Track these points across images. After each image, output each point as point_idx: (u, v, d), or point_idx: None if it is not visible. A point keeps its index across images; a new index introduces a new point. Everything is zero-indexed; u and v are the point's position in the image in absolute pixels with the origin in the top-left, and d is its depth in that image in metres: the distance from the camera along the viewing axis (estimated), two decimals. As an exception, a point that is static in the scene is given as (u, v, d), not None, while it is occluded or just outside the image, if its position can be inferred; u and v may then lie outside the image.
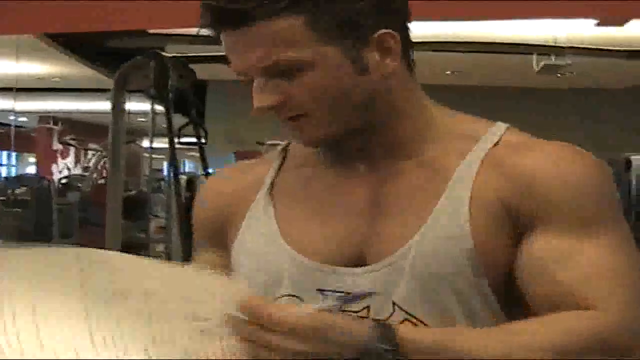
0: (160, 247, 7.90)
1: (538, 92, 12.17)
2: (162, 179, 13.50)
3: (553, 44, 6.83)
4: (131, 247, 8.31)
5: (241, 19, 1.18)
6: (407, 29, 1.30)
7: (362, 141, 1.31)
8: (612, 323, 1.16)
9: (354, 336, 1.09)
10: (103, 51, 9.31)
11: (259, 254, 1.35)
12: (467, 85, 12.45)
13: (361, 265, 1.27)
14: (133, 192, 9.90)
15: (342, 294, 1.16)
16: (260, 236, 1.36)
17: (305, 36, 1.19)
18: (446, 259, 1.22)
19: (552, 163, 1.24)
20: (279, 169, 1.42)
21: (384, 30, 1.24)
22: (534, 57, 8.37)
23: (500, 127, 1.33)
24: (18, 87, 11.08)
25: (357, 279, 1.25)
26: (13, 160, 19.03)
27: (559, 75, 9.62)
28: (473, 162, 1.27)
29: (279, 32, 1.18)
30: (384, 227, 1.28)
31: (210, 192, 1.51)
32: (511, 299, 1.24)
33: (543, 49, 7.18)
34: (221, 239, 1.44)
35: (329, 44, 1.21)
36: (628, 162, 6.58)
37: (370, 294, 1.17)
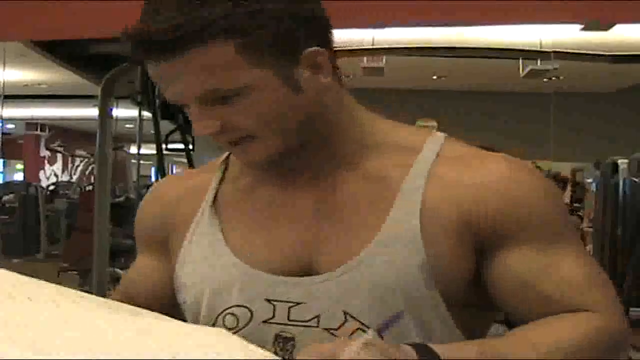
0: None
1: (524, 96, 12.21)
2: (150, 185, 13.54)
3: (539, 49, 6.86)
4: (119, 252, 8.32)
5: (170, 49, 1.14)
6: (331, 42, 1.27)
7: (303, 155, 1.30)
8: (609, 319, 1.20)
9: (404, 353, 1.06)
10: (89, 57, 9.30)
11: (205, 264, 1.33)
12: (453, 89, 12.50)
13: (309, 275, 1.26)
14: (121, 199, 9.90)
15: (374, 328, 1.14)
16: (205, 246, 1.35)
17: (236, 62, 1.16)
18: (400, 270, 1.21)
19: (506, 181, 1.24)
20: (222, 178, 1.41)
21: (312, 48, 1.21)
22: (520, 61, 8.40)
23: (439, 137, 1.32)
24: (4, 94, 11.06)
25: (308, 289, 1.24)
26: (0, 167, 18.96)
27: (545, 79, 9.67)
28: (418, 175, 1.26)
29: (210, 60, 1.15)
30: (332, 237, 1.27)
31: (154, 199, 1.49)
32: (463, 309, 1.24)
33: (529, 54, 7.20)
34: (162, 245, 1.43)
35: (261, 67, 1.18)
36: (614, 166, 6.60)
37: (397, 319, 1.17)
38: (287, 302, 1.23)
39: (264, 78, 1.18)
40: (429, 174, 1.26)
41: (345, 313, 1.21)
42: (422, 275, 1.20)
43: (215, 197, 1.38)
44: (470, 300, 1.25)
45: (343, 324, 1.21)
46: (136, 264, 1.49)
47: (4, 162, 19.65)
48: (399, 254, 1.21)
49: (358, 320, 1.21)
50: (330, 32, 1.27)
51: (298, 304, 1.22)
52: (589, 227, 8.40)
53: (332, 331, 1.22)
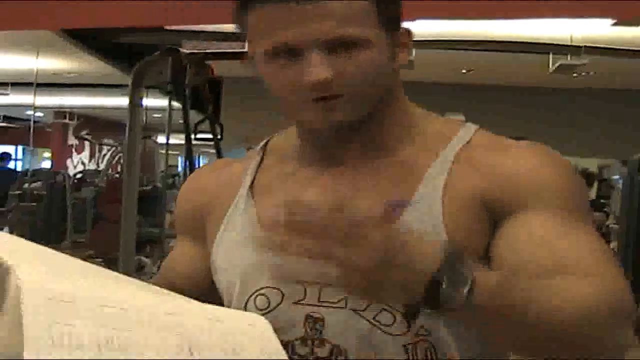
0: (173, 242, 7.94)
1: (553, 92, 12.15)
2: (177, 175, 13.55)
3: (569, 44, 6.82)
4: (145, 242, 8.37)
5: None
6: None
7: (348, 139, 1.35)
8: (618, 288, 1.19)
9: (434, 250, 1.08)
10: (119, 47, 9.35)
11: (240, 246, 1.38)
12: (482, 83, 12.45)
13: None
14: (148, 188, 9.94)
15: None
16: (240, 230, 1.39)
17: (371, 18, 1.25)
18: (420, 251, 1.20)
19: (527, 161, 1.29)
20: (259, 166, 1.45)
21: (405, 26, 1.33)
22: (550, 56, 8.36)
23: (470, 127, 1.38)
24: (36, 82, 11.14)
25: (334, 271, 1.27)
26: (29, 155, 19.10)
27: (574, 74, 9.61)
28: (444, 160, 1.32)
29: (349, 9, 1.23)
30: None
31: (192, 187, 1.55)
32: None
33: (559, 49, 7.16)
34: (200, 233, 1.47)
35: (383, 29, 1.27)
36: (643, 163, 6.55)
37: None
38: (318, 283, 1.24)
39: (381, 36, 1.27)
40: (455, 159, 1.31)
41: None
42: (442, 257, 1.18)
43: (252, 184, 1.42)
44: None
45: (369, 305, 1.25)
46: (176, 250, 1.54)
47: (25, 150, 19.77)
48: (419, 236, 1.23)
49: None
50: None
51: (328, 285, 1.22)
52: (615, 224, 8.36)
53: (359, 312, 1.25)
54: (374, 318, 1.26)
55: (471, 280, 1.06)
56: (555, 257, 1.22)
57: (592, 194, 10.72)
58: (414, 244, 1.07)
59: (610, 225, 8.87)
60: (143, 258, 8.34)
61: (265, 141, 1.50)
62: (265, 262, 1.31)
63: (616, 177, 13.06)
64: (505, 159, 1.30)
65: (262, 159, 1.46)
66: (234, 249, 1.39)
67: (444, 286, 1.05)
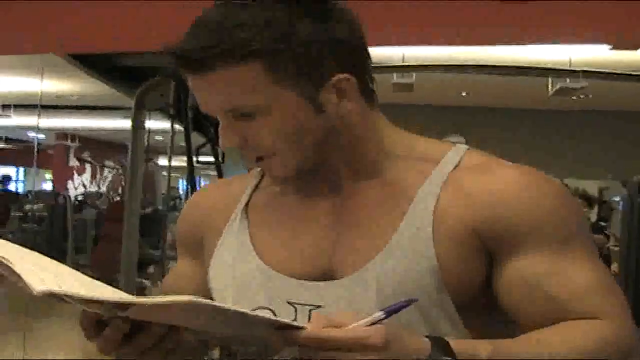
0: (173, 264, 7.95)
1: (552, 114, 12.19)
2: (178, 197, 13.56)
3: (568, 67, 6.86)
4: (146, 264, 8.38)
5: (201, 66, 1.22)
6: (365, 65, 1.33)
7: (325, 166, 1.36)
8: (618, 327, 1.23)
9: (419, 350, 1.12)
10: (122, 70, 9.38)
11: (232, 266, 1.39)
12: (482, 106, 12.48)
13: (329, 279, 1.30)
14: (149, 210, 9.95)
15: (385, 308, 1.15)
16: (233, 249, 1.41)
17: (263, 82, 1.22)
18: (409, 276, 1.25)
19: (519, 188, 1.28)
20: (256, 186, 1.48)
21: (339, 75, 1.27)
22: (549, 79, 8.39)
23: (460, 149, 1.36)
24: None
25: (323, 293, 1.29)
26: (30, 176, 19.10)
27: (573, 97, 9.65)
28: (435, 183, 1.31)
29: (238, 79, 1.22)
30: (349, 243, 1.32)
31: (192, 207, 1.57)
32: (473, 312, 1.28)
33: (558, 72, 7.20)
34: (199, 251, 1.50)
35: (286, 88, 1.24)
36: (641, 185, 6.57)
37: (410, 303, 1.17)
38: (307, 305, 1.27)
39: (288, 98, 1.25)
40: (446, 181, 1.30)
41: None
42: (432, 280, 1.24)
43: (247, 204, 1.45)
44: (482, 304, 1.28)
45: None
46: (176, 268, 1.57)
47: (27, 171, 19.78)
48: (410, 260, 1.26)
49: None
50: (364, 56, 1.32)
51: (317, 307, 1.26)
52: (615, 246, 8.36)
53: None
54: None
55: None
56: (555, 302, 1.23)
57: (593, 216, 10.70)
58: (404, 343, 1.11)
59: (610, 247, 8.86)
60: (143, 280, 8.35)
61: None
62: (258, 282, 1.35)
63: (616, 198, 13.06)
64: (496, 185, 1.28)
65: (260, 180, 1.49)
66: (227, 268, 1.40)
67: None
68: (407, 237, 1.28)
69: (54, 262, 1.15)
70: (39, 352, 7.45)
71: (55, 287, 1.02)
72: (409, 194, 1.31)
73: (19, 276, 1.04)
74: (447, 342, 1.14)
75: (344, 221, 1.35)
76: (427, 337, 1.15)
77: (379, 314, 1.11)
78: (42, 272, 1.09)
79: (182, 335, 1.15)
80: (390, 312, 1.12)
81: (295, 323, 1.10)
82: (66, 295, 1.02)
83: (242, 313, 1.05)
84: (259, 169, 1.49)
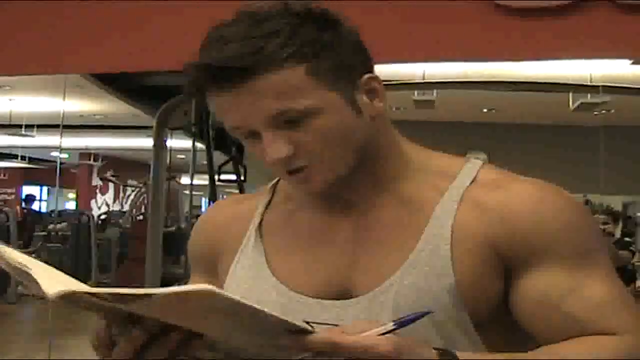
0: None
1: (574, 130, 12.14)
2: (200, 216, 13.60)
3: (589, 83, 6.84)
4: (169, 281, 8.40)
5: (243, 75, 1.19)
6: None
7: (346, 181, 1.33)
8: (635, 343, 1.22)
9: (425, 351, 1.12)
10: (145, 89, 9.43)
11: (247, 285, 1.39)
12: (503, 122, 12.44)
13: (346, 298, 1.30)
14: (172, 228, 9.98)
15: (397, 320, 1.15)
16: (249, 269, 1.40)
17: (308, 84, 1.22)
18: (427, 294, 1.25)
19: (535, 204, 1.28)
20: (268, 204, 1.47)
21: (367, 75, 1.30)
22: (570, 95, 8.37)
23: (476, 163, 1.37)
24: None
25: (340, 311, 1.29)
26: (54, 196, 19.22)
27: (595, 113, 9.61)
28: (451, 200, 1.31)
29: (283, 83, 1.20)
30: (366, 261, 1.32)
31: (206, 223, 1.56)
32: (491, 329, 1.28)
33: (579, 87, 7.18)
34: (212, 268, 1.49)
35: (328, 89, 1.24)
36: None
37: (423, 315, 1.17)
38: (324, 323, 1.25)
39: (331, 99, 1.24)
40: (462, 198, 1.31)
41: None
42: (450, 298, 1.25)
43: (261, 222, 1.44)
44: (499, 321, 1.28)
45: None
46: (190, 283, 1.55)
47: (50, 190, 19.90)
48: (427, 277, 1.26)
49: None
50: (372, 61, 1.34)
51: (334, 325, 1.24)
52: (640, 261, 8.31)
53: None
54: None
55: None
56: (572, 318, 1.23)
57: (617, 232, 10.63)
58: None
59: (635, 263, 8.81)
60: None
61: (277, 179, 1.51)
62: (274, 301, 1.34)
63: (640, 214, 12.98)
64: (512, 200, 1.28)
65: (271, 197, 1.48)
66: (243, 287, 1.40)
67: None
68: (424, 254, 1.28)
69: (64, 274, 1.15)
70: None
71: (68, 288, 1.02)
72: (426, 211, 1.31)
73: (36, 282, 1.05)
74: (455, 354, 1.14)
75: (360, 239, 1.35)
76: (435, 349, 1.15)
77: (391, 325, 1.12)
78: (56, 277, 1.10)
79: (195, 349, 1.14)
80: (402, 324, 1.13)
81: (308, 327, 1.10)
82: (84, 293, 1.02)
83: (257, 310, 1.05)
84: (269, 185, 1.51)
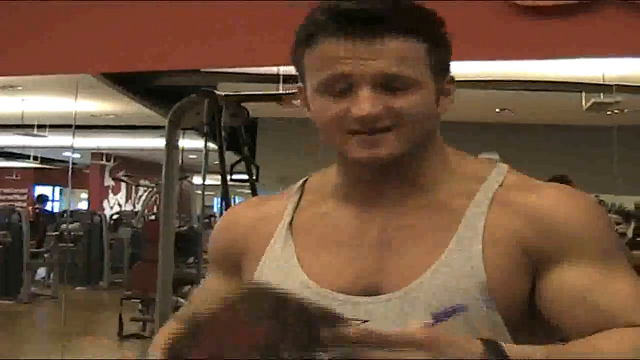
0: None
1: (587, 130, 12.11)
2: (213, 215, 13.62)
3: (601, 82, 6.83)
4: (181, 282, 8.41)
5: (376, 29, 1.27)
6: None
7: (383, 177, 1.39)
8: None
9: (470, 352, 1.14)
10: (156, 89, 9.47)
11: (278, 283, 1.37)
12: (516, 122, 12.42)
13: (376, 295, 1.32)
14: (184, 228, 9.99)
15: (435, 312, 1.20)
16: (279, 267, 1.42)
17: (423, 61, 1.31)
18: (458, 292, 1.28)
19: (563, 205, 1.34)
20: (297, 204, 1.49)
21: (450, 74, 1.40)
22: (583, 94, 8.35)
23: (502, 168, 1.42)
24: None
25: (371, 309, 1.31)
26: (66, 196, 19.29)
27: (608, 112, 9.58)
28: (482, 202, 1.36)
29: (406, 51, 1.29)
30: (397, 260, 1.34)
31: (229, 223, 1.58)
32: (522, 331, 1.30)
33: (591, 87, 7.17)
34: (234, 269, 1.50)
35: (431, 73, 1.33)
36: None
37: (460, 310, 1.21)
38: (354, 320, 1.27)
39: (428, 81, 1.33)
40: (492, 200, 1.35)
41: None
42: (481, 297, 1.27)
43: (290, 222, 1.45)
44: (529, 321, 1.31)
45: None
46: (209, 284, 1.57)
47: (62, 191, 19.96)
48: (459, 276, 1.28)
49: None
50: None
51: (365, 322, 1.27)
52: (653, 262, 8.28)
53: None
54: None
55: None
56: (601, 311, 1.27)
57: (630, 232, 10.60)
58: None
59: (647, 264, 8.78)
60: (180, 299, 8.39)
61: (303, 180, 1.53)
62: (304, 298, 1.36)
63: (654, 214, 12.94)
64: (541, 201, 1.34)
65: (300, 197, 1.49)
66: (272, 283, 1.39)
67: None
68: (456, 255, 1.31)
69: None
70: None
71: None
72: (457, 213, 1.35)
73: None
74: (501, 344, 1.16)
75: (391, 239, 1.37)
76: (479, 339, 1.17)
77: (429, 320, 1.16)
78: None
79: None
80: (439, 318, 1.16)
81: (347, 317, 1.12)
82: None
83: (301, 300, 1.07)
84: (296, 187, 1.52)
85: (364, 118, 1.29)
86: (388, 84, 1.29)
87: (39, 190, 19.57)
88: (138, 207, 17.39)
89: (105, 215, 15.00)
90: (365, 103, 1.29)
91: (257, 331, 1.08)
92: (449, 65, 1.40)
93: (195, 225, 10.45)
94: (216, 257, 1.57)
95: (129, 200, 19.59)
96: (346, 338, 1.09)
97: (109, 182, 18.87)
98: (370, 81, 1.29)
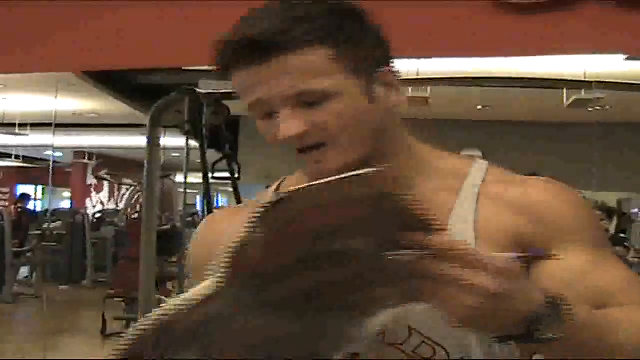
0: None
1: (569, 127, 12.15)
2: (196, 214, 13.59)
3: (583, 79, 6.85)
4: (164, 280, 8.40)
5: (270, 51, 1.23)
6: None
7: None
8: None
9: (534, 298, 1.09)
10: (138, 87, 9.44)
11: None
12: (498, 119, 12.46)
13: None
14: (167, 227, 9.98)
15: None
16: None
17: (332, 68, 1.25)
18: None
19: (553, 196, 1.34)
20: None
21: (386, 68, 1.33)
22: (564, 91, 8.38)
23: (483, 164, 1.41)
24: (55, 123, 11.22)
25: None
26: (48, 195, 19.21)
27: (589, 109, 9.63)
28: (468, 197, 1.34)
29: (307, 64, 1.24)
30: None
31: (209, 229, 1.56)
32: None
33: (573, 84, 7.19)
34: (214, 275, 1.48)
35: (349, 76, 1.27)
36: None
37: (540, 254, 1.22)
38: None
39: (348, 86, 1.27)
40: (479, 195, 1.34)
41: (410, 328, 1.26)
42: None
43: None
44: None
45: (408, 338, 1.26)
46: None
47: (45, 190, 19.90)
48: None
49: (420, 334, 1.26)
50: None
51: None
52: (635, 257, 8.33)
53: (397, 346, 1.27)
54: (413, 351, 1.27)
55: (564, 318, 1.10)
56: (600, 291, 1.27)
57: (612, 228, 10.66)
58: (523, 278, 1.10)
59: (629, 259, 8.83)
60: (163, 297, 8.38)
61: (278, 182, 1.52)
62: None
63: (635, 210, 13.00)
64: (530, 193, 1.34)
65: None
66: None
67: (543, 322, 1.09)
68: None
69: None
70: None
71: None
72: (444, 210, 1.33)
73: None
74: (558, 299, 1.11)
75: None
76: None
77: (512, 255, 1.12)
78: None
79: None
80: (521, 258, 1.12)
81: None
82: None
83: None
84: (272, 189, 1.51)
85: (288, 140, 1.27)
86: (307, 99, 1.26)
87: (22, 189, 19.49)
88: (121, 206, 17.36)
89: (87, 214, 14.96)
90: (284, 124, 1.27)
91: (348, 211, 1.03)
92: (382, 58, 1.33)
93: (177, 224, 10.44)
94: (196, 265, 1.55)
95: (112, 199, 19.55)
96: (430, 245, 1.04)
97: (91, 180, 18.82)
98: (284, 102, 1.26)
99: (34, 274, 13.28)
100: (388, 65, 1.34)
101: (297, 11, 1.25)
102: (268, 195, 1.50)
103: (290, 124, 1.26)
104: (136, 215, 11.78)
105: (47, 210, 15.48)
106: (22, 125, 12.87)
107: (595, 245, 1.31)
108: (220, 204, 19.15)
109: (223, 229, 1.50)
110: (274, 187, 1.53)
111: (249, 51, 1.24)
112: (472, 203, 1.33)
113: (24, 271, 13.91)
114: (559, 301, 1.11)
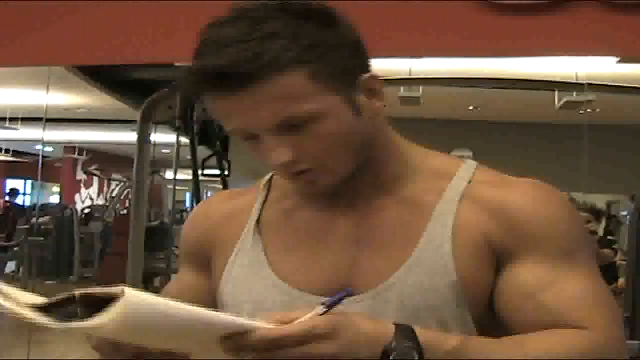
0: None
1: (560, 128, 12.16)
2: (185, 210, 13.59)
3: (574, 81, 6.85)
4: (152, 276, 8.38)
5: (242, 81, 1.17)
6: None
7: (347, 180, 1.34)
8: (605, 339, 1.23)
9: (377, 335, 1.12)
10: (129, 83, 9.40)
11: (247, 283, 1.38)
12: (489, 120, 12.46)
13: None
14: (155, 223, 9.97)
15: (325, 301, 1.15)
16: (247, 266, 1.40)
17: (309, 89, 1.20)
18: (430, 291, 1.26)
19: (531, 200, 1.31)
20: (265, 200, 1.46)
21: (367, 74, 1.29)
22: (555, 93, 8.38)
23: (471, 164, 1.39)
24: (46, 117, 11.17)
25: (342, 309, 1.25)
26: (37, 189, 19.17)
27: (580, 111, 9.63)
28: (451, 198, 1.33)
29: (284, 89, 1.19)
30: (368, 260, 1.32)
31: (201, 217, 1.55)
32: (489, 327, 1.28)
33: (564, 86, 7.19)
34: (204, 263, 1.48)
35: (329, 93, 1.23)
36: (649, 200, 6.57)
37: (348, 295, 1.17)
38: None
39: (332, 103, 1.23)
40: (462, 197, 1.32)
41: None
42: (452, 295, 1.26)
43: (258, 218, 1.43)
44: (494, 317, 1.29)
45: None
46: (180, 278, 1.54)
47: (34, 184, 19.85)
48: (430, 275, 1.27)
49: None
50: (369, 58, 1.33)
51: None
52: (623, 260, 8.33)
53: None
54: None
55: (420, 351, 1.11)
56: (546, 310, 1.24)
57: (600, 230, 10.66)
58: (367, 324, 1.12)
59: (617, 262, 8.83)
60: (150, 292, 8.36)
61: (270, 175, 1.51)
62: (274, 299, 1.34)
63: (624, 212, 13.01)
64: (509, 197, 1.31)
65: (267, 193, 1.47)
66: (242, 284, 1.39)
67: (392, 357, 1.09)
68: (427, 253, 1.29)
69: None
70: (44, 365, 7.44)
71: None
72: (427, 211, 1.33)
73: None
74: (412, 328, 1.14)
75: (361, 238, 1.35)
76: (394, 324, 1.15)
77: (320, 308, 1.11)
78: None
79: None
80: (331, 305, 1.12)
81: (246, 323, 1.08)
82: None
83: (194, 315, 1.05)
84: (264, 181, 1.50)
85: (279, 167, 1.27)
86: (291, 125, 1.22)
87: (10, 183, 19.41)
88: (110, 201, 17.30)
89: (76, 209, 14.90)
90: (273, 152, 1.24)
91: None
92: (360, 66, 1.30)
93: (166, 220, 10.44)
94: (187, 251, 1.54)
95: (101, 194, 19.49)
96: (247, 348, 1.06)
97: (81, 175, 18.76)
98: (267, 131, 1.23)
99: (21, 269, 13.24)
100: (367, 70, 1.31)
101: (265, 28, 1.19)
102: (259, 186, 1.49)
103: (279, 152, 1.24)
104: (125, 211, 11.76)
105: (35, 205, 15.43)
106: (13, 119, 12.81)
107: (561, 257, 1.28)
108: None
109: (219, 213, 1.50)
110: (264, 179, 1.52)
111: (221, 83, 1.19)
112: (453, 205, 1.32)
113: (10, 266, 13.87)
114: (410, 329, 1.12)
